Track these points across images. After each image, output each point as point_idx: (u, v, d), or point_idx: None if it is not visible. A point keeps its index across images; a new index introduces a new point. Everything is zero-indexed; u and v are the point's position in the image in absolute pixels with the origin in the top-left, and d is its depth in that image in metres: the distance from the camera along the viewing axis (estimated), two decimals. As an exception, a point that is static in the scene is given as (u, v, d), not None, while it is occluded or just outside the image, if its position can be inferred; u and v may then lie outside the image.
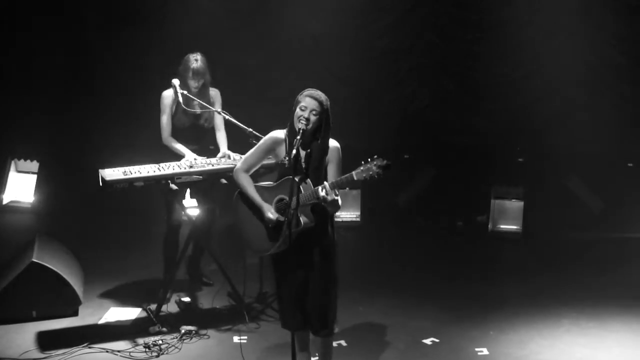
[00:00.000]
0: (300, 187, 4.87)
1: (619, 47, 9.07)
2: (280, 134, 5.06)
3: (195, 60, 6.48)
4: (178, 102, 6.50)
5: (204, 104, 6.52)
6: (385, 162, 4.63)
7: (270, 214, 5.05)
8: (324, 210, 4.92)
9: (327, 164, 4.96)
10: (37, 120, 9.28)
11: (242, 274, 6.72)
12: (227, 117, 6.31)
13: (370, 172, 4.65)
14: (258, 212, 5.10)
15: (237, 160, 6.41)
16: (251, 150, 5.20)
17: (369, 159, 4.70)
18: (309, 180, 4.88)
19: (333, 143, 4.99)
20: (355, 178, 4.72)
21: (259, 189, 5.14)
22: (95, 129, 9.23)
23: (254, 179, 5.21)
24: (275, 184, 5.08)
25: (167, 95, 6.56)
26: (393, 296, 6.99)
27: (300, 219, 4.90)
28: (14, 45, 9.19)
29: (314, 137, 4.95)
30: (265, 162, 5.24)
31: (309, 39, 9.49)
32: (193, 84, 6.50)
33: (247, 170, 5.18)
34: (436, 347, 6.07)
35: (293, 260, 4.98)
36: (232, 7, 9.36)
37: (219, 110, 6.45)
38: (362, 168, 4.70)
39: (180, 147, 6.55)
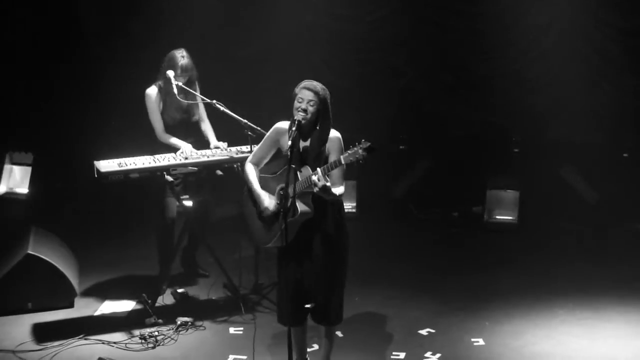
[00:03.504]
0: (298, 175, 4.87)
1: (616, 37, 9.05)
2: (284, 124, 5.06)
3: (182, 57, 6.43)
4: (164, 99, 6.46)
5: (198, 95, 6.50)
6: (368, 144, 4.64)
7: (267, 203, 5.04)
8: (326, 201, 4.91)
9: (327, 154, 4.95)
10: (32, 111, 9.24)
11: (238, 265, 6.73)
12: (222, 108, 6.28)
13: (357, 156, 4.67)
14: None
15: (231, 151, 6.40)
16: (260, 143, 5.23)
17: (356, 143, 4.71)
18: (308, 168, 4.88)
19: (334, 133, 4.99)
20: (343, 162, 4.74)
21: (265, 179, 5.15)
22: (90, 121, 9.20)
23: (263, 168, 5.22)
24: (277, 173, 5.08)
25: (152, 92, 6.50)
26: (389, 287, 6.99)
27: (298, 207, 4.89)
28: (9, 40, 9.15)
29: (314, 127, 4.95)
30: None
31: (305, 30, 9.46)
32: (181, 80, 6.45)
33: (256, 163, 5.20)
34: (432, 337, 6.07)
35: (296, 251, 4.98)
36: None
37: (215, 101, 6.40)
38: (349, 152, 4.72)
39: (176, 140, 6.51)
